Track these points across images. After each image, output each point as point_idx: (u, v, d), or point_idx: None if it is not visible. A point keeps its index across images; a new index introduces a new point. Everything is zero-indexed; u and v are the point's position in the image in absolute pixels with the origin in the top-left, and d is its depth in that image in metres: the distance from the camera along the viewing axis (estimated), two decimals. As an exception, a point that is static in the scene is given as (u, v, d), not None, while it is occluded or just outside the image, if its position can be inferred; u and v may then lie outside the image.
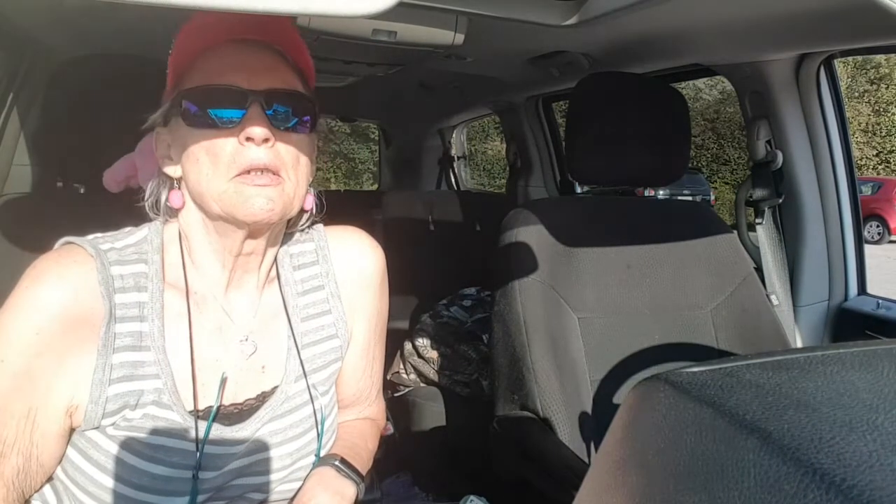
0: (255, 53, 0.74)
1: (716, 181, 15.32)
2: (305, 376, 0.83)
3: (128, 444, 0.71)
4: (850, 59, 13.16)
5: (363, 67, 1.64)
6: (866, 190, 11.52)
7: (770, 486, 0.26)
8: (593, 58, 1.57)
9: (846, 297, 1.60)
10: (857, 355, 0.36)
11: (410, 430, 1.97)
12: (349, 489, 0.82)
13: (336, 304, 0.88)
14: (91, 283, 0.70)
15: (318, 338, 0.86)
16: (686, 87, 12.24)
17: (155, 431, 0.72)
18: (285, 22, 0.76)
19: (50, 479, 0.74)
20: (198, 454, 0.73)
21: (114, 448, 0.71)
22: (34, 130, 1.56)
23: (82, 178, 1.28)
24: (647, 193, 6.50)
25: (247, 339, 0.80)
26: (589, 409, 1.24)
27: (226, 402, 0.77)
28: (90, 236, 0.75)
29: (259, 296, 0.82)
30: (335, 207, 1.20)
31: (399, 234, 2.41)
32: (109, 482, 0.71)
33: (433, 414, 1.96)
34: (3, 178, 1.55)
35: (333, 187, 14.20)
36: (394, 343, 2.15)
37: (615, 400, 1.28)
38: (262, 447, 0.79)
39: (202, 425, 0.74)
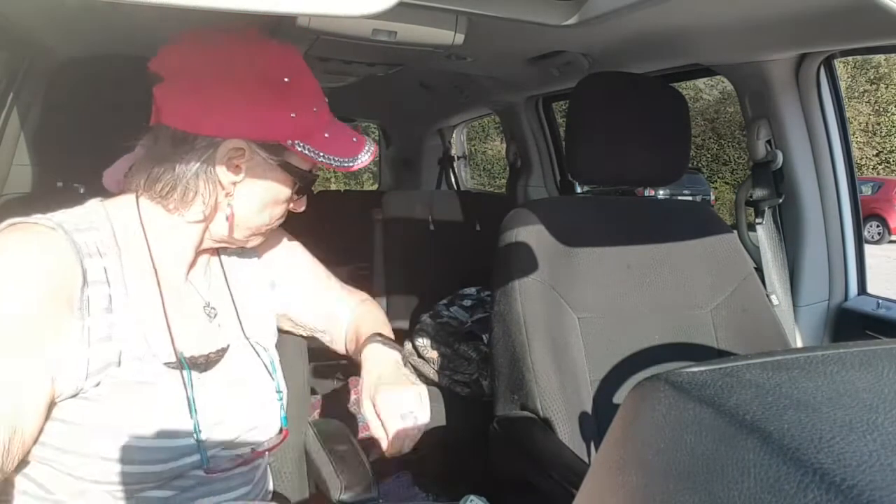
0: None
1: (716, 181, 15.32)
2: (246, 337, 0.92)
3: (120, 399, 0.75)
4: (850, 59, 13.17)
5: (363, 67, 1.64)
6: (866, 190, 11.52)
7: (770, 486, 0.26)
8: (593, 58, 1.57)
9: (846, 297, 1.60)
10: (857, 355, 0.36)
11: (410, 430, 1.97)
12: (397, 355, 0.96)
13: (254, 275, 0.99)
14: (64, 249, 0.73)
15: (246, 289, 0.97)
16: (686, 87, 12.24)
17: (142, 384, 0.76)
18: None
19: (25, 462, 0.74)
20: (187, 392, 0.79)
21: (107, 404, 0.74)
22: (34, 130, 1.56)
23: (82, 178, 1.28)
24: (647, 193, 6.50)
25: (208, 305, 0.89)
26: (589, 409, 1.24)
27: (194, 353, 0.83)
28: (33, 216, 0.76)
29: (207, 268, 0.92)
30: (335, 207, 1.20)
31: (399, 234, 2.41)
32: (108, 440, 0.74)
33: (433, 414, 1.96)
34: (3, 178, 1.55)
35: (333, 187, 14.20)
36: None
37: (615, 400, 1.28)
38: (235, 393, 0.87)
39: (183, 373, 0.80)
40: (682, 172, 1.43)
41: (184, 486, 0.81)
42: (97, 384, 0.73)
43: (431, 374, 2.02)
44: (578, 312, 1.30)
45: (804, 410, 0.30)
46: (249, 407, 0.88)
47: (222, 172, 0.80)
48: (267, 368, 0.93)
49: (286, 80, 0.82)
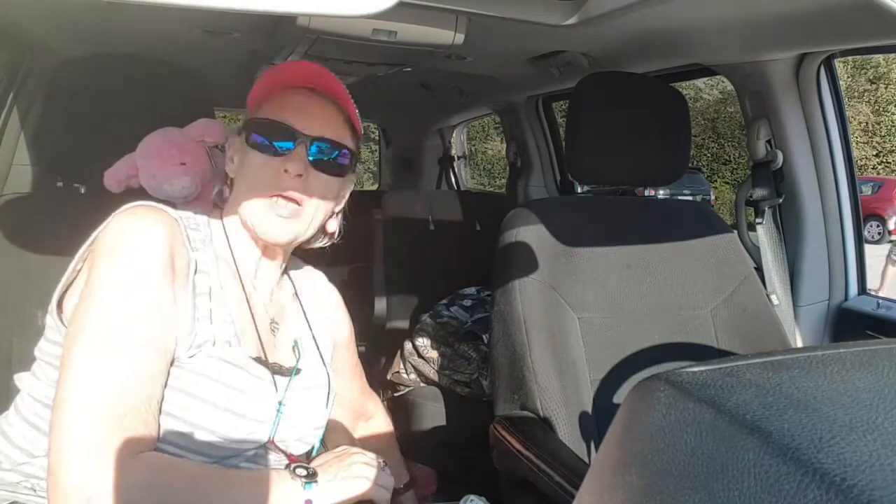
0: (318, 102, 0.91)
1: (716, 181, 15.32)
2: (322, 359, 1.01)
3: (211, 368, 0.82)
4: (850, 59, 13.16)
5: (363, 67, 1.64)
6: (866, 190, 11.51)
7: (770, 486, 0.26)
8: (593, 58, 1.57)
9: (846, 297, 1.60)
10: (857, 355, 0.36)
11: (410, 430, 1.97)
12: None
13: (323, 309, 1.09)
14: (179, 236, 0.84)
15: (320, 328, 1.05)
16: (686, 87, 12.23)
17: (230, 364, 0.84)
18: (340, 83, 0.94)
19: None
20: (271, 376, 0.88)
21: (196, 374, 0.81)
22: (34, 130, 1.56)
23: (82, 178, 1.28)
24: (647, 193, 6.49)
25: (273, 321, 0.96)
26: (589, 409, 1.24)
27: (271, 359, 0.92)
28: (154, 203, 0.88)
29: (278, 284, 0.99)
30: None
31: (399, 234, 2.41)
32: (198, 400, 0.81)
33: (433, 414, 1.96)
34: (3, 178, 1.55)
35: (333, 187, 14.14)
36: (394, 343, 2.15)
37: (615, 400, 1.28)
38: (308, 401, 0.95)
39: (261, 369, 0.88)
40: (682, 172, 1.43)
41: (229, 464, 0.87)
42: (192, 356, 0.81)
43: (431, 374, 2.02)
44: (578, 312, 1.30)
45: (804, 410, 0.30)
46: (311, 424, 0.96)
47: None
48: (327, 394, 1.00)
49: None
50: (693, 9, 1.10)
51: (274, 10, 0.49)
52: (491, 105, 2.65)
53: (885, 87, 16.50)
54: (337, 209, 0.99)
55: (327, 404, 0.99)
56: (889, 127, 16.47)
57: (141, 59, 1.29)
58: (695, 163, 14.37)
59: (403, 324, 2.21)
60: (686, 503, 0.29)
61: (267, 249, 0.94)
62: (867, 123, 16.38)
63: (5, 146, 1.52)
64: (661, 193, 7.51)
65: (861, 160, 15.97)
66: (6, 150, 1.54)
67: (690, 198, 9.78)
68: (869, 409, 0.30)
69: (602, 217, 1.41)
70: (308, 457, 0.97)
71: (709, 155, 16.18)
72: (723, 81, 10.73)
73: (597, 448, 0.95)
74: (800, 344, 1.58)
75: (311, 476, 0.85)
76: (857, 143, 15.71)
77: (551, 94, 2.32)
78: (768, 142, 1.54)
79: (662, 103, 1.40)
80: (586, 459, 1.16)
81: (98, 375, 0.74)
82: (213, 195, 0.98)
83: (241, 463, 0.87)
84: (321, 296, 1.10)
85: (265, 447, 0.89)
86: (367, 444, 1.17)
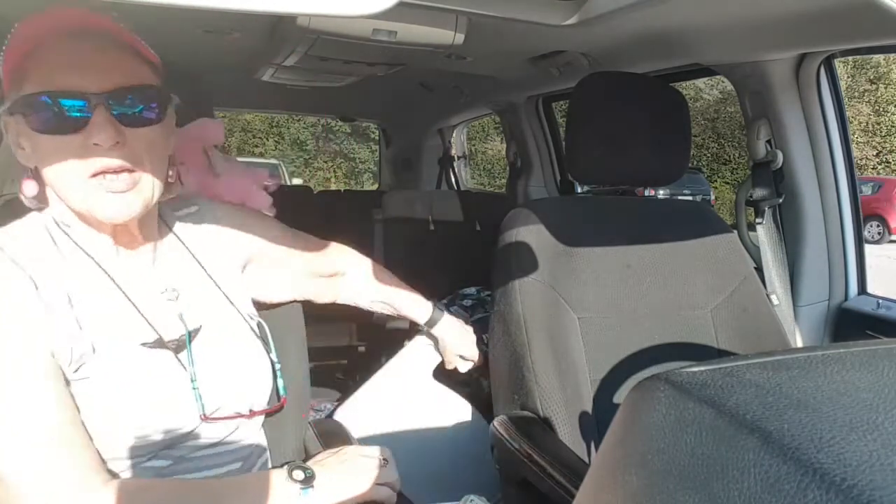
0: (95, 47, 0.73)
1: (716, 181, 15.31)
2: (229, 300, 0.92)
3: (102, 373, 0.76)
4: (850, 59, 13.17)
5: (363, 67, 1.64)
6: (866, 190, 11.50)
7: (770, 486, 0.26)
8: (593, 58, 1.57)
9: (846, 297, 1.60)
10: (857, 355, 0.36)
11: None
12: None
13: (220, 246, 0.96)
14: (5, 267, 0.73)
15: (218, 279, 0.93)
16: (686, 87, 12.22)
17: (119, 360, 0.77)
18: (107, 17, 0.75)
19: None
20: (173, 354, 0.81)
21: (92, 386, 0.75)
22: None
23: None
24: (647, 193, 6.49)
25: (165, 290, 0.86)
26: (589, 409, 1.24)
27: (164, 335, 0.82)
28: None
29: (154, 251, 0.87)
30: (335, 207, 1.19)
31: (399, 233, 2.41)
32: (107, 409, 0.75)
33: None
34: (3, 178, 1.55)
35: (333, 187, 14.20)
36: (394, 343, 2.15)
37: (615, 400, 1.28)
38: (226, 362, 0.87)
39: (158, 352, 0.80)
40: (682, 172, 1.43)
41: (178, 455, 0.82)
42: (77, 370, 0.75)
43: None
44: (578, 312, 1.30)
45: (804, 410, 0.30)
46: (242, 373, 0.89)
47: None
48: (259, 336, 0.94)
49: None
50: (693, 9, 1.10)
51: (274, 10, 0.49)
52: (491, 105, 2.65)
53: (885, 87, 16.50)
54: (170, 153, 0.84)
55: (250, 345, 0.91)
56: (889, 127, 16.46)
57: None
58: (695, 163, 14.36)
59: (403, 324, 2.20)
60: (686, 503, 0.29)
61: (118, 229, 0.81)
62: (867, 123, 16.37)
63: (5, 146, 1.52)
64: (661, 193, 7.50)
65: (861, 160, 15.96)
66: (6, 150, 1.53)
67: (690, 198, 9.78)
68: (869, 409, 0.30)
69: (602, 217, 1.40)
70: (277, 402, 0.95)
71: (709, 155, 16.17)
72: (723, 81, 10.72)
73: (597, 448, 0.95)
74: (800, 344, 1.58)
75: (308, 480, 0.81)
76: (857, 143, 15.71)
77: (551, 94, 2.32)
78: (768, 142, 1.54)
79: (662, 103, 1.40)
80: (586, 459, 1.16)
81: (17, 424, 0.69)
82: (25, 192, 0.81)
83: (193, 454, 0.83)
84: (209, 228, 0.96)
85: (207, 424, 0.83)
86: (363, 294, 1.22)
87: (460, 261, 2.31)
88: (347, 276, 1.21)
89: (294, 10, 0.50)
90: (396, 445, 1.11)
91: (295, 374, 1.14)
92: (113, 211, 0.74)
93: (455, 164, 3.40)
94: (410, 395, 1.33)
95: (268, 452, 0.99)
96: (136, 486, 0.75)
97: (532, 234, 1.31)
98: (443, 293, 2.23)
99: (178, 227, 0.93)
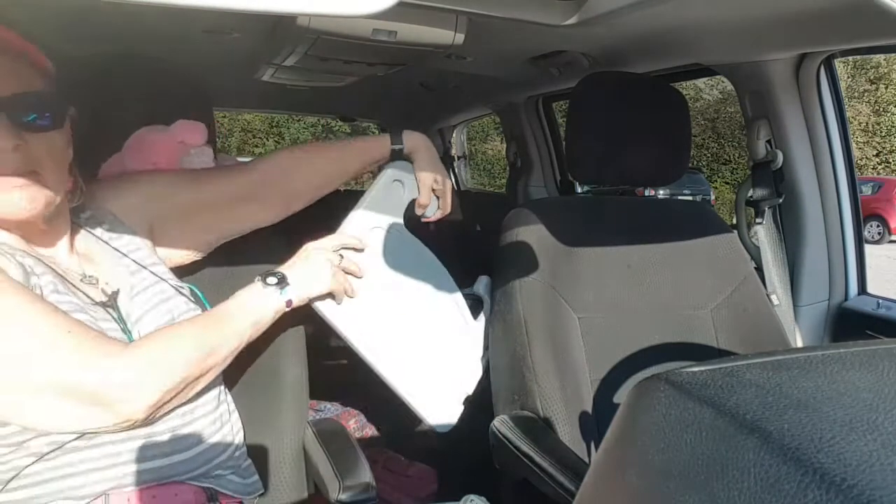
0: None
1: (716, 181, 15.32)
2: (156, 275, 0.95)
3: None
4: (850, 59, 13.16)
5: (363, 67, 1.64)
6: (866, 190, 11.51)
7: (770, 486, 0.26)
8: (593, 58, 1.57)
9: (846, 297, 1.60)
10: (857, 355, 0.36)
11: (411, 430, 1.97)
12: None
13: (121, 226, 0.98)
14: None
15: (128, 251, 0.96)
16: (686, 87, 12.23)
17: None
18: None
19: None
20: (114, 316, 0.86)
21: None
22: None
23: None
24: (647, 193, 6.49)
25: (85, 276, 0.89)
26: (589, 409, 1.24)
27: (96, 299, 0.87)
28: None
29: (70, 245, 0.90)
30: (335, 207, 1.19)
31: (399, 233, 2.40)
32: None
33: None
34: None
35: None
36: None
37: (615, 400, 1.28)
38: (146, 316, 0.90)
39: (96, 310, 0.84)
40: (682, 172, 1.43)
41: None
42: None
43: (431, 374, 2.02)
44: (578, 312, 1.30)
45: (804, 410, 0.30)
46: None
47: None
48: (193, 301, 0.98)
49: None
50: (693, 9, 1.10)
51: (274, 10, 0.49)
52: (491, 105, 2.65)
53: (885, 88, 16.50)
54: (70, 160, 0.87)
55: (182, 309, 0.94)
56: (889, 127, 16.47)
57: (141, 59, 1.29)
58: (695, 163, 14.37)
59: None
60: (686, 503, 0.29)
61: (26, 227, 0.83)
62: (867, 123, 16.37)
63: None
64: (661, 193, 7.51)
65: (861, 160, 15.97)
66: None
67: (690, 198, 9.78)
68: (869, 409, 0.30)
69: (602, 217, 1.40)
70: None
71: (709, 155, 16.18)
72: (723, 81, 10.72)
73: (597, 448, 0.95)
74: (800, 344, 1.58)
75: (282, 281, 0.97)
76: (857, 143, 15.71)
77: (551, 94, 2.32)
78: (768, 142, 1.54)
79: (662, 103, 1.40)
80: (586, 459, 1.16)
81: (25, 329, 0.73)
82: None
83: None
84: (109, 217, 0.98)
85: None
86: (299, 180, 1.13)
87: (460, 261, 2.31)
88: (272, 177, 1.11)
89: (294, 10, 0.50)
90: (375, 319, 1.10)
91: (294, 375, 1.14)
92: (16, 206, 0.77)
93: (455, 164, 3.41)
94: (386, 262, 1.19)
95: (242, 433, 1.00)
96: (157, 337, 0.83)
97: (532, 234, 1.31)
98: (443, 293, 2.23)
99: (87, 225, 0.96)
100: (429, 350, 1.20)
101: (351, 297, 1.09)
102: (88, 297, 0.86)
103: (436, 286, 1.23)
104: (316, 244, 1.06)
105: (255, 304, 0.94)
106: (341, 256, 1.07)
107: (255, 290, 0.95)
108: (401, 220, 1.19)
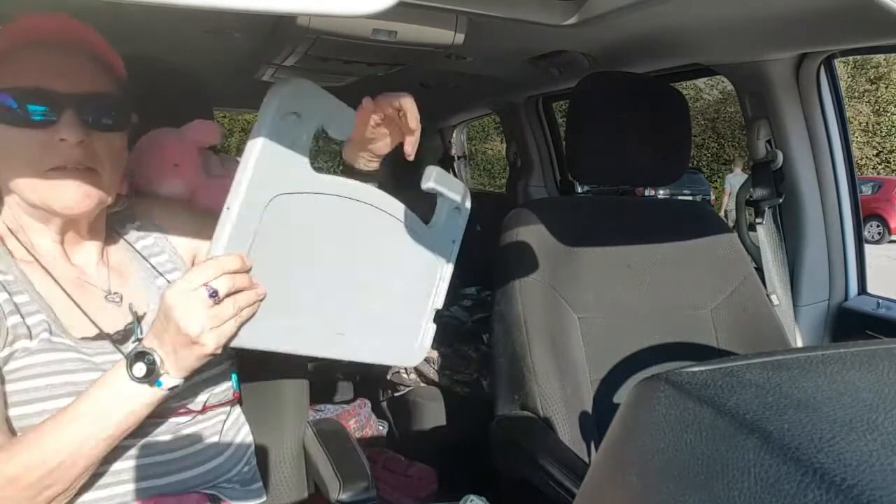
0: (68, 56, 0.79)
1: (716, 181, 15.32)
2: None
3: (34, 369, 0.76)
4: (850, 59, 13.16)
5: (363, 67, 1.64)
6: (866, 190, 11.50)
7: (770, 486, 0.26)
8: (593, 58, 1.57)
9: (846, 297, 1.60)
10: (857, 355, 0.36)
11: (410, 429, 1.97)
12: None
13: (164, 243, 0.97)
14: None
15: (164, 270, 0.94)
16: (686, 87, 12.22)
17: (55, 352, 0.78)
18: (87, 27, 0.82)
19: None
20: (111, 345, 0.81)
21: (24, 376, 0.76)
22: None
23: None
24: (647, 193, 6.49)
25: (110, 293, 0.87)
26: (589, 409, 1.24)
27: (108, 330, 0.83)
28: None
29: (101, 255, 0.89)
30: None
31: (399, 233, 2.40)
32: (45, 401, 0.76)
33: (433, 414, 1.96)
34: None
35: (333, 187, 14.12)
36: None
37: (615, 400, 1.28)
38: None
39: (99, 345, 0.81)
40: (683, 172, 1.43)
41: (135, 450, 0.81)
42: (11, 353, 0.76)
43: (431, 374, 2.02)
44: (578, 312, 1.30)
45: (804, 410, 0.30)
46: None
47: None
48: None
49: None
50: (693, 9, 1.10)
51: (274, 9, 0.49)
52: (491, 105, 2.65)
53: (885, 88, 16.50)
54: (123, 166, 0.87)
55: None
56: (889, 127, 16.46)
57: (141, 59, 1.29)
58: (695, 163, 14.37)
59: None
60: (686, 503, 0.29)
61: (66, 227, 0.83)
62: (867, 123, 16.37)
63: None
64: (661, 193, 7.51)
65: (861, 160, 15.97)
66: None
67: (690, 198, 9.78)
68: (869, 409, 0.30)
69: (602, 217, 1.40)
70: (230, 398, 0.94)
71: (709, 155, 16.18)
72: (723, 81, 10.72)
73: (597, 448, 0.95)
74: (800, 344, 1.58)
75: (151, 369, 0.72)
76: (857, 143, 15.71)
77: (551, 94, 2.32)
78: (768, 142, 1.54)
79: (662, 103, 1.40)
80: (586, 459, 1.16)
81: None
82: None
83: (153, 456, 0.83)
84: (157, 226, 0.97)
85: (154, 419, 0.82)
86: None
87: (460, 261, 2.31)
88: None
89: (294, 10, 0.50)
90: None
91: (294, 375, 1.14)
92: (70, 199, 0.78)
93: (455, 164, 3.40)
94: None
95: (252, 447, 0.99)
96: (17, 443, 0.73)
97: (532, 234, 1.31)
98: (443, 293, 2.23)
99: (124, 232, 0.95)
100: (382, 300, 0.92)
101: (258, 316, 0.75)
102: (97, 326, 0.82)
103: (376, 227, 0.95)
104: (172, 292, 0.71)
105: (122, 406, 0.74)
106: (216, 292, 0.70)
107: (119, 386, 0.74)
108: (306, 165, 0.77)
